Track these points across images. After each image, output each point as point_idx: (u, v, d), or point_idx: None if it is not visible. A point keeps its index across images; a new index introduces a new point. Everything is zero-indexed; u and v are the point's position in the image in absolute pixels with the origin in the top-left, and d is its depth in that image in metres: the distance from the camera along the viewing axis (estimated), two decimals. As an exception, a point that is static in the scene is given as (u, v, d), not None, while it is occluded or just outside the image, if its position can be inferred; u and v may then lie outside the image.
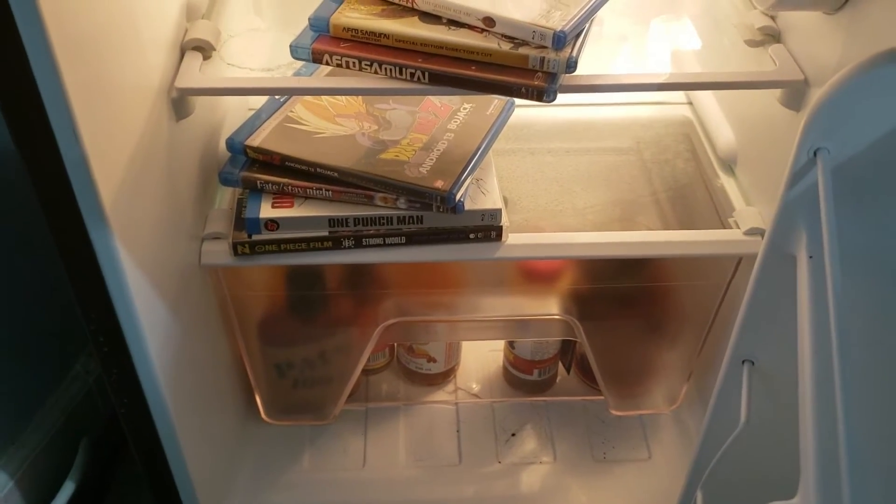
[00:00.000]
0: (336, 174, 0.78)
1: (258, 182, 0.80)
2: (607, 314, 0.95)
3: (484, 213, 0.79)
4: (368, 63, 0.69)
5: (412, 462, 1.01)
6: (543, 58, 0.67)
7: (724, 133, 0.93)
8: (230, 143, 0.81)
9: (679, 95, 1.05)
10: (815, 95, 0.56)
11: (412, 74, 0.69)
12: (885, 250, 0.55)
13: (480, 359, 1.11)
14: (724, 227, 0.85)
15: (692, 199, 0.94)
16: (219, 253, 0.80)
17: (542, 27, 0.67)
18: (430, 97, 0.87)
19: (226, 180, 0.81)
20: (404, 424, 1.05)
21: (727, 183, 0.90)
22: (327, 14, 0.71)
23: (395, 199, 0.78)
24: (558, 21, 0.67)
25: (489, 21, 0.69)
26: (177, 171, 0.76)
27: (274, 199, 0.79)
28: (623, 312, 0.95)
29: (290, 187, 0.79)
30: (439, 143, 0.82)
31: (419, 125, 0.84)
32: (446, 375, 1.08)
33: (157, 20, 0.72)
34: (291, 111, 0.84)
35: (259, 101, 0.86)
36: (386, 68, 0.69)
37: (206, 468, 0.88)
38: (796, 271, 0.55)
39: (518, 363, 1.05)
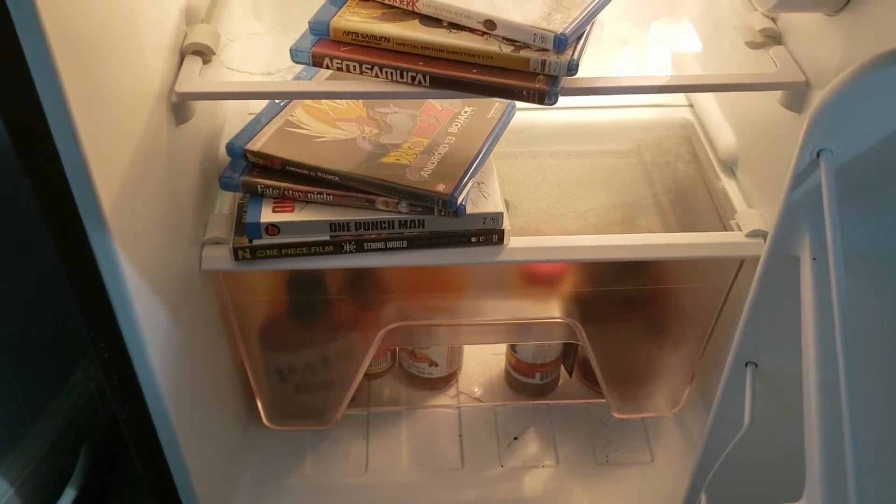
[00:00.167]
0: (337, 178, 0.78)
1: (259, 186, 0.79)
2: (609, 317, 0.95)
3: (485, 217, 0.79)
4: (369, 67, 0.69)
5: (414, 466, 1.01)
6: (545, 60, 0.67)
7: (725, 135, 0.93)
8: (230, 148, 0.81)
9: (680, 98, 1.05)
10: (817, 97, 0.56)
11: (413, 78, 0.69)
12: (888, 251, 0.55)
13: (482, 363, 1.11)
14: (726, 230, 0.84)
15: (693, 202, 0.94)
16: (219, 258, 0.80)
17: (544, 30, 0.67)
18: (430, 101, 0.87)
19: (226, 185, 0.80)
20: (406, 429, 1.05)
21: (728, 185, 0.90)
22: (327, 18, 0.71)
23: (397, 202, 0.78)
24: (559, 24, 0.67)
25: (490, 24, 0.68)
26: (177, 175, 0.76)
27: (275, 203, 0.79)
28: (625, 315, 0.95)
29: (290, 192, 0.79)
30: (440, 146, 0.82)
31: (420, 129, 0.84)
32: (448, 379, 1.08)
33: (157, 24, 0.72)
34: (292, 115, 0.84)
35: (259, 105, 0.86)
36: (387, 72, 0.69)
37: (208, 474, 0.87)
38: (799, 273, 0.55)
39: (520, 367, 1.05)
